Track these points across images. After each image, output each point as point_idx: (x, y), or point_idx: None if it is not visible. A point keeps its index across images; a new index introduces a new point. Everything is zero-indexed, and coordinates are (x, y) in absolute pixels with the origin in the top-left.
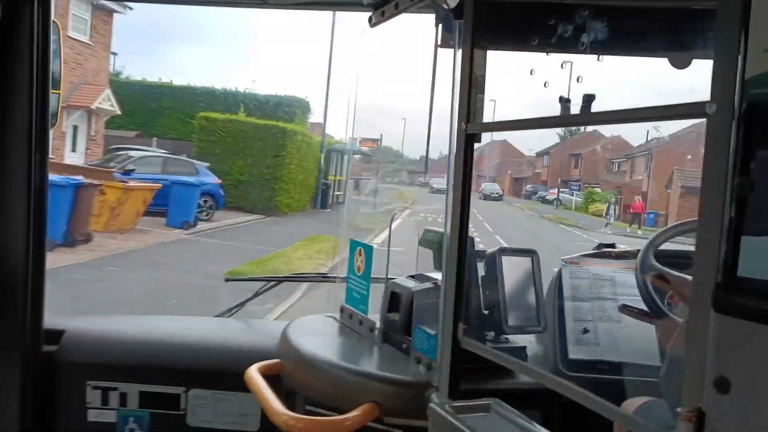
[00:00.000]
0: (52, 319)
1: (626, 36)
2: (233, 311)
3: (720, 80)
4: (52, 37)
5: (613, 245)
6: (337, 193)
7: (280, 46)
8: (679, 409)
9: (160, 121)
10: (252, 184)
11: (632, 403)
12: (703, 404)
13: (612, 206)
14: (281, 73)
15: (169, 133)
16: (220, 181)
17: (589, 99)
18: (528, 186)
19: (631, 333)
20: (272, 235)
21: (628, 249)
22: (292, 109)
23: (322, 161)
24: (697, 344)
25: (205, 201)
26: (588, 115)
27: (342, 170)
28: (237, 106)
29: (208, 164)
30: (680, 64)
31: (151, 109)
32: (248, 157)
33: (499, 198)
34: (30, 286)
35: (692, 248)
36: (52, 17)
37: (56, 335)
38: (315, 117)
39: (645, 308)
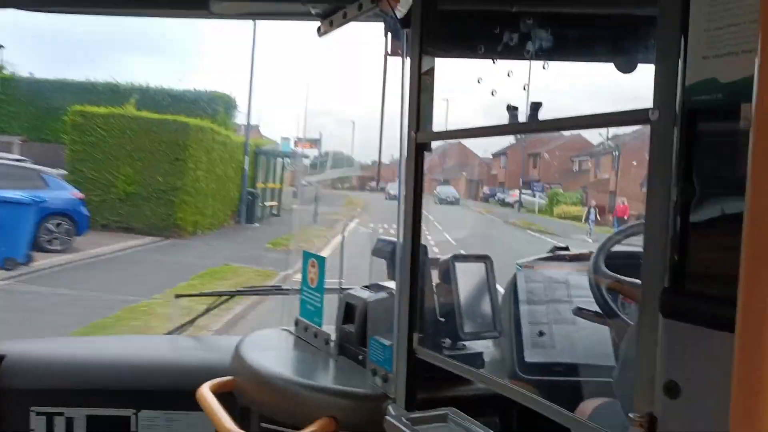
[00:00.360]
0: None
1: (571, 42)
2: (184, 328)
3: (662, 87)
4: None
5: (566, 248)
6: (269, 203)
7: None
8: (631, 414)
9: (52, 123)
10: (144, 198)
11: (588, 405)
12: (654, 409)
13: (592, 210)
14: (215, 71)
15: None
16: (81, 195)
17: (536, 107)
18: (485, 188)
19: (586, 334)
20: (158, 269)
21: (582, 252)
22: (213, 105)
23: (247, 166)
24: (646, 349)
25: (57, 224)
26: (535, 123)
27: (276, 176)
28: (146, 104)
29: (63, 172)
30: (625, 68)
31: (43, 110)
32: (138, 162)
33: (455, 202)
34: None
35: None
36: None
37: None
38: (254, 120)
39: (599, 310)
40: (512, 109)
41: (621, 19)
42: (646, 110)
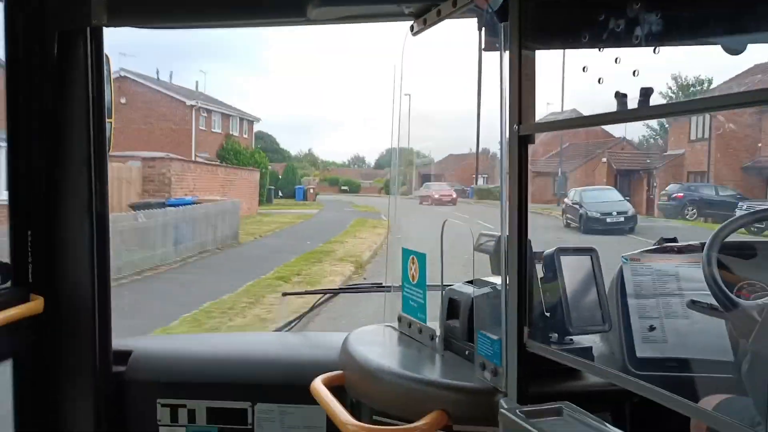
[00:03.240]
0: (119, 340)
1: (682, 25)
2: (292, 325)
3: None
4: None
5: (674, 239)
6: None
7: None
8: None
9: None
10: None
11: (710, 401)
12: None
13: None
14: None
15: None
16: None
17: (646, 92)
18: (673, 187)
19: (700, 328)
20: None
21: (692, 243)
22: None
23: None
24: None
25: None
26: (648, 109)
27: None
28: None
29: None
30: (734, 50)
31: None
32: None
33: (627, 226)
34: (97, 310)
35: (756, 239)
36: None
37: (124, 356)
38: None
39: (714, 302)
40: (621, 96)
41: None
42: None
